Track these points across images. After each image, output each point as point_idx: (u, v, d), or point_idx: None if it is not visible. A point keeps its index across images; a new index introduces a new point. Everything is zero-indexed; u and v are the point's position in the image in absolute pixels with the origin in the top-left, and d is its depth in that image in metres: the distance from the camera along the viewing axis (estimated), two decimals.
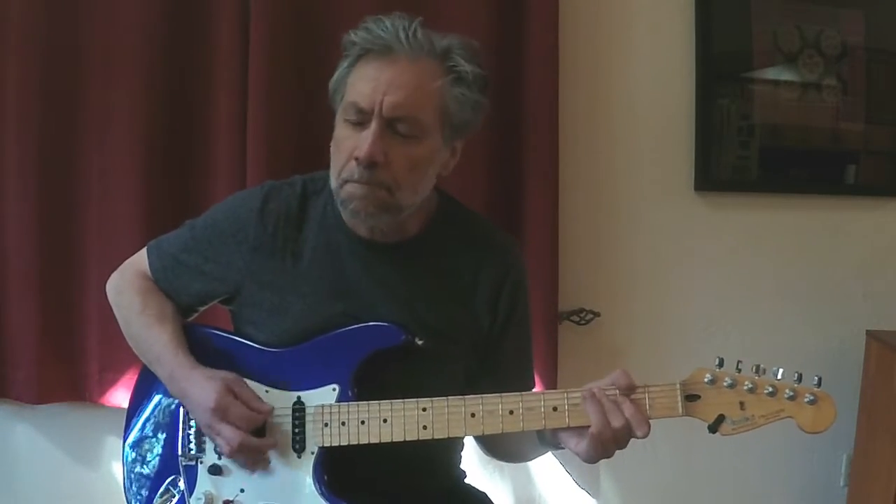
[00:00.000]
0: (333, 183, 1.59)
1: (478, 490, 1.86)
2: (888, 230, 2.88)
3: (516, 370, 1.77)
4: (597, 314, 2.72)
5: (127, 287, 1.77)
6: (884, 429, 2.62)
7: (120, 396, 2.48)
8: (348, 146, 1.54)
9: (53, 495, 2.64)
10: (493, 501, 1.85)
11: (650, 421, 1.47)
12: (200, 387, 1.56)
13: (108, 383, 2.51)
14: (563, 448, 1.56)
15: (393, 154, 1.53)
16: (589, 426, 1.47)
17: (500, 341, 1.73)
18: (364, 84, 1.53)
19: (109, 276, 1.83)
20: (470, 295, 1.69)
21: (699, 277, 2.81)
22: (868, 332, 2.77)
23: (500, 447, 1.78)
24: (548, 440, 1.57)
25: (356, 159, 1.52)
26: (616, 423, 1.46)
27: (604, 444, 1.47)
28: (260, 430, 1.58)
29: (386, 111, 1.52)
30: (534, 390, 1.71)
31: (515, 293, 1.73)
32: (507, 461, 1.89)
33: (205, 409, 1.55)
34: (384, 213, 1.58)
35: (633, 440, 1.49)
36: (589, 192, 2.72)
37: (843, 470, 2.92)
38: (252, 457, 1.58)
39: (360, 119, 1.53)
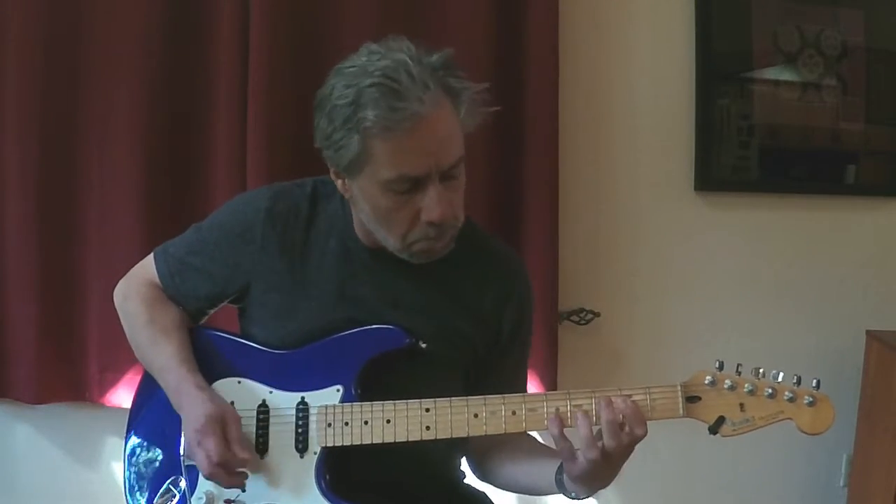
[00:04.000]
0: (393, 244, 1.55)
1: (477, 490, 1.86)
2: (888, 230, 2.89)
3: (513, 384, 1.75)
4: (597, 314, 2.72)
5: (133, 294, 1.76)
6: (884, 429, 2.63)
7: (120, 396, 2.49)
8: (406, 214, 1.51)
9: (53, 495, 2.64)
10: (493, 501, 1.85)
11: (652, 422, 1.47)
12: (197, 406, 1.55)
13: (108, 383, 2.51)
14: (575, 497, 1.57)
15: (453, 197, 1.52)
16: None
17: (504, 356, 1.73)
18: (411, 157, 1.46)
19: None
20: (475, 307, 1.69)
21: (699, 277, 2.82)
22: (868, 332, 2.78)
23: (509, 476, 1.75)
24: (566, 487, 1.56)
25: (431, 223, 1.50)
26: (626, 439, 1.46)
27: (605, 441, 1.45)
28: (262, 449, 1.59)
29: (443, 168, 1.49)
30: (536, 391, 1.71)
31: (521, 311, 1.73)
32: (508, 490, 1.86)
33: (191, 428, 1.54)
34: (452, 244, 1.59)
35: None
36: (589, 192, 2.72)
37: (843, 470, 2.92)
38: (223, 485, 1.56)
39: (414, 186, 1.49)
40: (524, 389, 1.81)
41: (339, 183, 1.58)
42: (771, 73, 2.76)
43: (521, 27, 2.55)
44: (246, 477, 1.56)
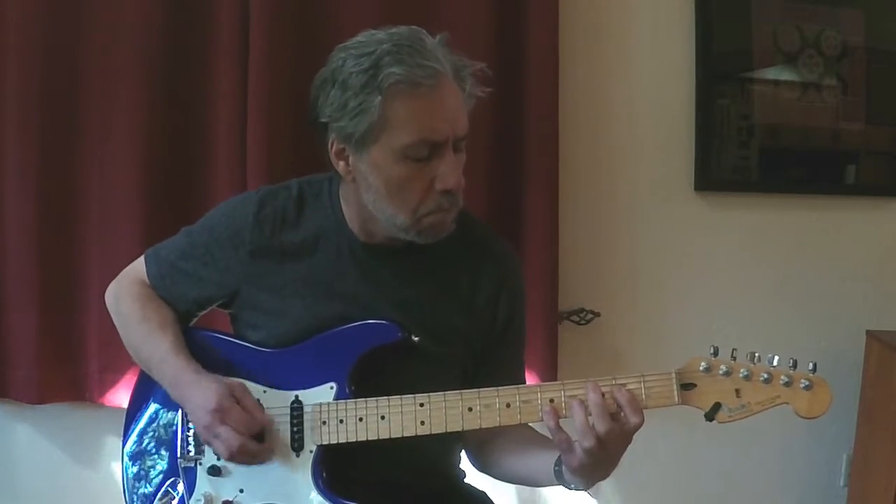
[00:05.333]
0: (403, 220, 1.55)
1: (477, 489, 1.86)
2: (888, 230, 2.89)
3: (510, 376, 1.75)
4: (597, 314, 2.72)
5: (125, 295, 1.77)
6: (884, 429, 2.62)
7: (120, 396, 2.49)
8: (419, 184, 1.52)
9: (53, 495, 2.64)
10: (493, 500, 1.85)
11: (648, 410, 1.47)
12: (203, 389, 1.56)
13: (108, 383, 2.51)
14: (574, 489, 1.57)
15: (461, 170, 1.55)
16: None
17: (498, 349, 1.73)
18: (433, 119, 1.48)
19: (109, 276, 1.84)
20: (468, 301, 1.69)
21: (699, 277, 2.81)
22: (868, 332, 2.78)
23: (508, 467, 1.75)
24: (565, 479, 1.56)
25: (447, 191, 1.51)
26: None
27: (595, 430, 1.44)
28: (259, 437, 1.58)
29: (457, 136, 1.51)
30: (530, 384, 1.71)
31: (513, 302, 1.73)
32: (506, 481, 1.85)
33: (205, 411, 1.54)
34: (454, 225, 1.60)
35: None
36: (589, 192, 2.72)
37: (843, 470, 2.91)
38: (249, 461, 1.57)
39: (431, 153, 1.51)
40: (522, 381, 1.81)
41: (340, 165, 1.58)
42: (771, 73, 2.76)
43: (521, 28, 2.54)
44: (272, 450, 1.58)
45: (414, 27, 1.53)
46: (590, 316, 2.71)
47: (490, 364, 1.72)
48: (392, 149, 1.49)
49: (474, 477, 1.86)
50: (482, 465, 1.80)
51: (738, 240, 2.82)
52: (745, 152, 2.77)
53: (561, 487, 1.59)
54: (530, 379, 2.47)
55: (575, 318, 2.70)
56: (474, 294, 1.69)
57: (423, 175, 1.51)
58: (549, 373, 2.57)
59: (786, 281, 2.85)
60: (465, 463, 1.85)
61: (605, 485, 2.79)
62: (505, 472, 1.76)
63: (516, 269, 1.78)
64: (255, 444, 1.55)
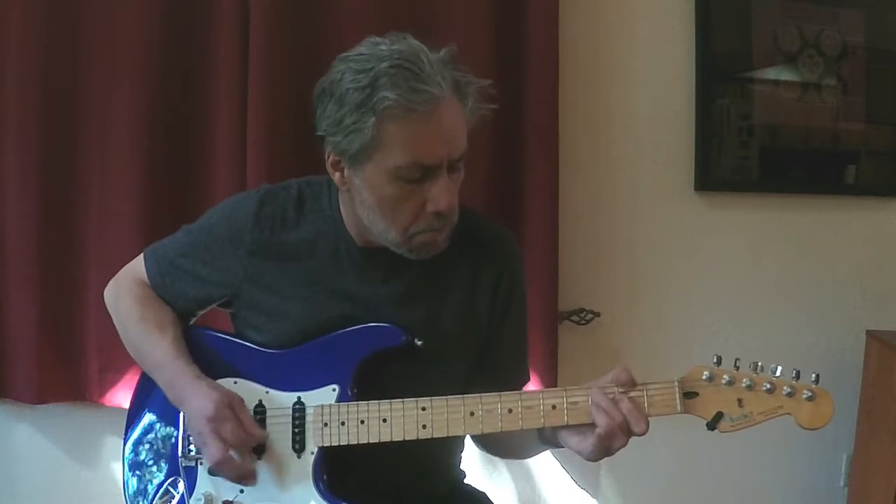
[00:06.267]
0: (394, 236, 1.55)
1: (478, 490, 1.86)
2: (888, 230, 2.89)
3: (512, 361, 1.77)
4: (597, 314, 2.72)
5: (124, 294, 1.76)
6: (884, 429, 2.62)
7: (120, 396, 2.49)
8: (412, 204, 1.51)
9: (53, 495, 2.64)
10: (493, 501, 1.85)
11: (649, 419, 1.47)
12: (201, 396, 1.56)
13: (108, 383, 2.51)
14: (562, 447, 1.56)
15: (455, 190, 1.54)
16: (588, 424, 1.48)
17: (498, 332, 1.72)
18: (426, 143, 1.47)
19: (109, 275, 1.83)
20: (468, 293, 1.69)
21: (699, 277, 2.81)
22: (868, 332, 2.78)
23: (498, 444, 1.77)
24: (548, 439, 1.57)
25: (437, 213, 1.51)
26: (618, 419, 1.46)
27: (608, 443, 1.47)
28: (257, 451, 1.59)
29: (452, 158, 1.50)
30: (532, 389, 1.71)
31: (512, 284, 1.73)
32: (504, 458, 1.87)
33: (201, 418, 1.54)
34: (448, 241, 1.59)
35: (632, 439, 1.49)
36: (589, 192, 2.72)
37: (843, 470, 2.92)
38: (233, 475, 1.56)
39: (424, 175, 1.50)
40: (524, 369, 1.81)
41: (336, 176, 1.57)
42: (771, 73, 2.76)
43: (522, 28, 2.55)
44: (255, 472, 1.57)
45: (417, 44, 1.50)
46: (590, 316, 2.71)
47: (491, 348, 1.72)
48: (385, 169, 1.49)
49: (474, 477, 1.86)
50: (482, 446, 1.82)
51: (738, 240, 2.82)
52: (745, 152, 2.77)
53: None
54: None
55: (575, 318, 2.70)
56: (474, 285, 1.69)
57: (415, 196, 1.51)
58: (549, 373, 2.57)
59: (786, 281, 2.85)
60: (465, 463, 1.86)
61: (605, 485, 2.79)
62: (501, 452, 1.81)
63: (514, 252, 1.77)
64: (237, 460, 1.54)
